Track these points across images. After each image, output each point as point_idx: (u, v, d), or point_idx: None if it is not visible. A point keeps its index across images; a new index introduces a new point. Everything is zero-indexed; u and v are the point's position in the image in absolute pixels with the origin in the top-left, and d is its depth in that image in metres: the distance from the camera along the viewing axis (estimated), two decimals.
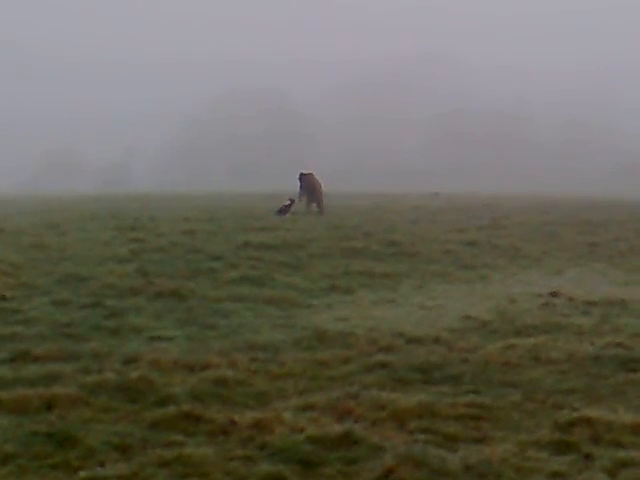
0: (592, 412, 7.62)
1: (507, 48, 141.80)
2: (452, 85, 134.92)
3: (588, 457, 6.76)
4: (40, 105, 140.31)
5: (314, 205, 29.82)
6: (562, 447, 6.95)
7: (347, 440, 6.98)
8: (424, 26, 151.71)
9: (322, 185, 30.25)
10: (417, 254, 18.76)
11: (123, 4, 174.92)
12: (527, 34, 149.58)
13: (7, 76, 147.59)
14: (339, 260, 17.63)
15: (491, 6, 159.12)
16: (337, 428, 7.17)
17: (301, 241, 20.09)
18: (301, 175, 30.06)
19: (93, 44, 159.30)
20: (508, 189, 68.82)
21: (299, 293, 14.05)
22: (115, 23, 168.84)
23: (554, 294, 13.83)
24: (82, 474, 6.32)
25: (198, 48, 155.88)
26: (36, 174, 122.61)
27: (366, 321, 11.78)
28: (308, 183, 29.94)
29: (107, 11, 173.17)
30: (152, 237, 20.66)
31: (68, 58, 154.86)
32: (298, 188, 29.98)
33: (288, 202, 28.71)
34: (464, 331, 11.23)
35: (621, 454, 6.78)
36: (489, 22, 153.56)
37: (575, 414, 7.60)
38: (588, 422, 7.39)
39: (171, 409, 7.64)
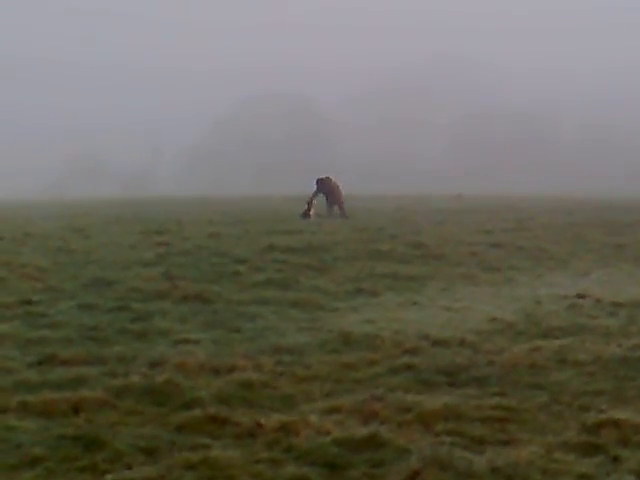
0: (620, 414, 7.56)
1: (529, 48, 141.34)
2: (475, 87, 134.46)
3: (616, 459, 6.71)
4: (66, 110, 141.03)
5: (336, 208, 29.89)
6: (589, 449, 6.90)
7: (373, 442, 6.96)
8: (446, 28, 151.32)
9: (341, 188, 30.40)
10: (442, 256, 18.71)
11: (150, 11, 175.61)
12: (549, 33, 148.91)
13: (33, 82, 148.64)
14: (364, 262, 17.61)
15: (511, 6, 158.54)
16: (363, 430, 7.15)
17: (326, 244, 20.11)
18: (318, 180, 30.24)
19: (119, 50, 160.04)
20: (532, 190, 68.57)
21: (324, 296, 14.03)
22: (141, 29, 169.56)
23: (580, 295, 13.75)
24: (109, 477, 6.34)
25: (222, 53, 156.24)
26: (61, 178, 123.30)
27: (391, 323, 11.75)
28: (325, 187, 30.07)
29: (133, 17, 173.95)
30: (177, 241, 20.75)
31: (94, 64, 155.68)
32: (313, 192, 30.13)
33: (306, 206, 28.86)
34: (490, 333, 11.18)
35: None
36: (510, 22, 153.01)
37: (602, 416, 7.55)
38: (616, 424, 7.34)
39: (197, 412, 7.65)
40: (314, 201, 29.31)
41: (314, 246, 19.66)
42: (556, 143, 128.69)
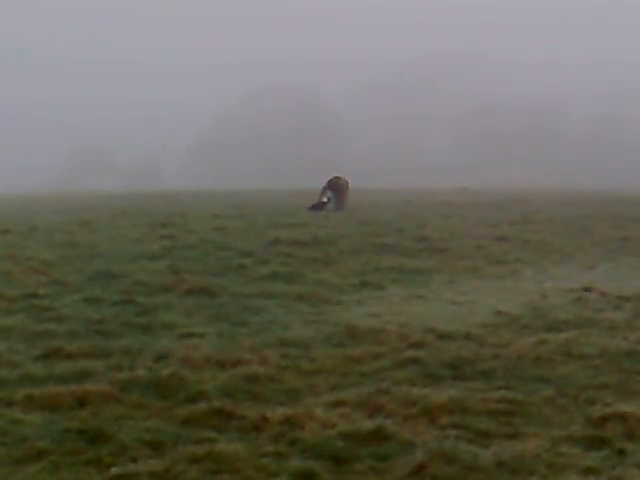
0: (625, 407, 7.56)
1: (535, 43, 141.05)
2: (481, 82, 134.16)
3: (621, 452, 6.71)
4: (72, 106, 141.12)
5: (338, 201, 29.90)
6: (595, 442, 6.90)
7: (378, 436, 6.96)
8: (452, 22, 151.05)
9: (349, 184, 30.50)
10: (448, 250, 18.69)
11: (153, 6, 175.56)
12: (555, 28, 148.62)
13: (40, 79, 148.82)
14: (370, 256, 17.61)
15: (516, 1, 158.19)
16: (368, 424, 7.16)
17: (332, 237, 20.09)
18: (329, 181, 30.36)
19: (124, 46, 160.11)
20: (539, 184, 68.47)
21: (330, 289, 14.04)
22: (145, 25, 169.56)
23: (586, 289, 13.74)
24: (114, 470, 6.35)
25: (227, 47, 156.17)
26: (67, 172, 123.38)
27: (397, 317, 11.75)
28: (335, 185, 30.15)
29: (138, 13, 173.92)
30: (183, 234, 20.73)
31: (100, 60, 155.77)
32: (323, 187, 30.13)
33: (325, 200, 28.81)
34: (495, 326, 11.17)
35: None
36: (516, 17, 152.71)
37: (608, 409, 7.55)
38: (621, 417, 7.34)
39: (202, 405, 7.66)
40: (327, 197, 29.26)
41: (320, 239, 19.65)
42: (561, 137, 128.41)
